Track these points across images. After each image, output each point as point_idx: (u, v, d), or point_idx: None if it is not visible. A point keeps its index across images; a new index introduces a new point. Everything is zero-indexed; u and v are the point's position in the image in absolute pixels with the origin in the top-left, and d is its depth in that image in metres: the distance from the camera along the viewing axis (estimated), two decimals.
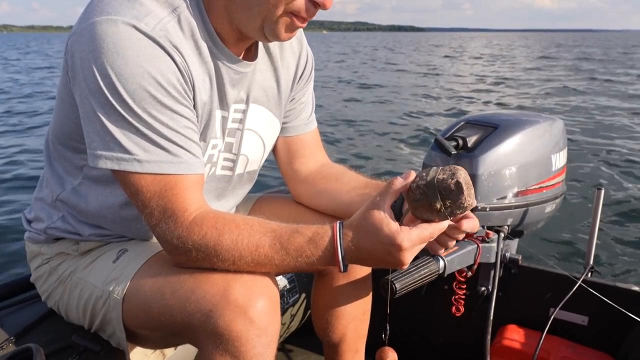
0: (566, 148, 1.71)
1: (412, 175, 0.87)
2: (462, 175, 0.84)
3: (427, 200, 0.85)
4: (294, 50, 1.13)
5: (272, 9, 0.87)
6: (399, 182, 0.87)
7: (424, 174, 0.87)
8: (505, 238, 1.57)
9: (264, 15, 0.88)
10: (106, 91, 0.81)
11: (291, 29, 0.91)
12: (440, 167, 0.86)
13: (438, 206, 0.84)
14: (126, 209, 0.98)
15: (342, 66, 18.79)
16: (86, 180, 1.01)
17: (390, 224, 0.84)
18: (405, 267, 0.87)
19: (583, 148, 5.32)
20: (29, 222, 1.14)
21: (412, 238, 0.84)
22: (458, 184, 0.83)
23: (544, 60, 22.74)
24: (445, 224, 0.87)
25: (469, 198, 0.83)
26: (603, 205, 1.57)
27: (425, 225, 0.86)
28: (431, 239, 0.87)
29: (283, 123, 1.17)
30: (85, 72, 0.82)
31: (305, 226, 0.89)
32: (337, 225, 0.88)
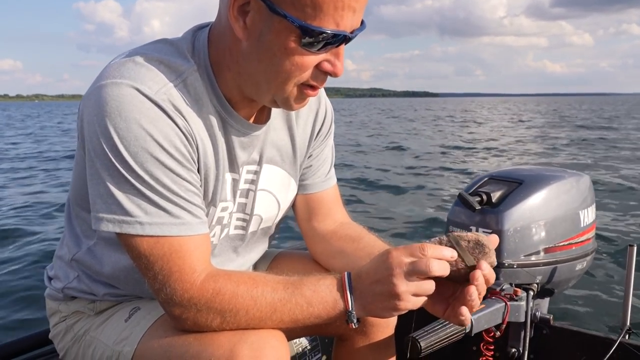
0: (594, 204, 1.67)
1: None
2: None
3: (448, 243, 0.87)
4: (311, 107, 1.11)
5: (282, 85, 0.86)
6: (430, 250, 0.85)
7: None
8: (535, 296, 1.51)
9: (274, 92, 0.88)
10: (109, 153, 0.81)
11: (303, 99, 0.90)
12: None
13: (460, 241, 0.86)
14: (138, 271, 0.96)
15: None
16: (101, 241, 1.01)
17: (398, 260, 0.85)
18: (404, 301, 0.84)
19: (613, 204, 5.18)
20: (50, 279, 1.14)
21: (403, 261, 0.84)
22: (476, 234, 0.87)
23: (561, 121, 22.65)
24: (442, 266, 0.84)
25: (488, 242, 0.86)
26: (637, 262, 1.51)
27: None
28: (429, 270, 0.83)
29: (301, 180, 1.15)
30: (91, 134, 0.83)
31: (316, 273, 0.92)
32: (346, 272, 0.90)
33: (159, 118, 0.83)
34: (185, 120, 0.87)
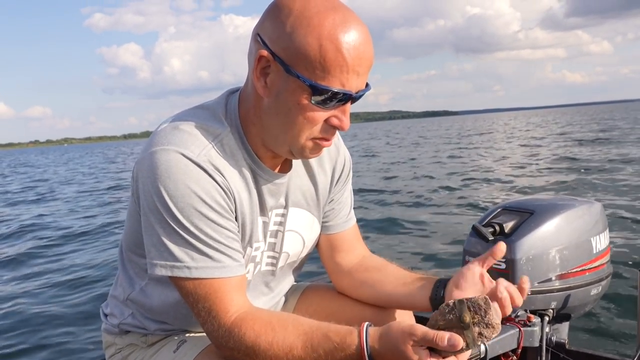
0: (607, 230, 1.73)
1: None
2: (487, 298, 0.91)
3: (456, 318, 0.90)
4: (331, 156, 1.23)
5: (296, 138, 0.98)
6: (443, 341, 0.88)
7: (450, 304, 0.94)
8: (552, 321, 1.58)
9: (290, 143, 1.00)
10: (161, 209, 0.95)
11: (317, 150, 1.02)
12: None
13: (467, 319, 0.89)
14: (185, 306, 1.08)
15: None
16: (152, 281, 1.13)
17: (420, 353, 0.90)
18: None
19: (629, 228, 5.07)
20: (106, 315, 1.28)
21: None
22: (486, 300, 0.90)
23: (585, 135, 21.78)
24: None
25: (496, 317, 0.90)
26: None
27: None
28: None
29: (324, 222, 1.28)
30: (145, 193, 0.97)
31: (335, 330, 0.95)
32: (364, 335, 0.93)
33: (201, 177, 0.96)
34: (223, 176, 1.00)
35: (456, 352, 0.90)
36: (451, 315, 0.91)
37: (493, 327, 0.89)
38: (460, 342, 0.88)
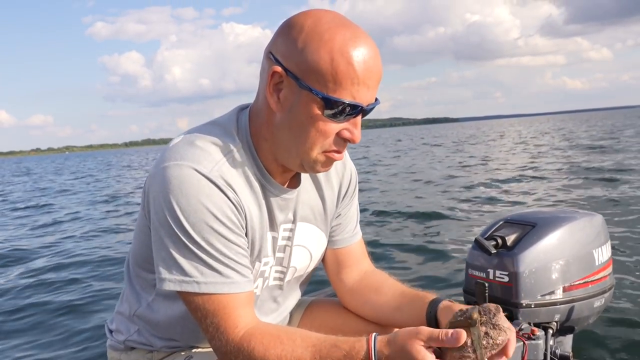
0: (609, 242, 1.73)
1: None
2: (499, 306, 0.93)
3: (465, 317, 0.91)
4: (337, 172, 1.25)
5: (308, 152, 1.00)
6: (450, 339, 0.90)
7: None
8: (556, 334, 1.58)
9: (302, 157, 1.02)
10: (172, 224, 0.96)
11: (328, 163, 1.04)
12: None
13: (475, 316, 0.91)
14: (192, 322, 1.08)
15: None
16: (159, 297, 1.14)
17: (427, 357, 0.90)
18: None
19: (631, 239, 5.02)
20: (111, 331, 1.29)
21: None
22: (497, 307, 0.93)
23: (583, 143, 21.56)
24: None
25: (505, 322, 0.92)
26: None
27: None
28: None
29: (330, 237, 1.29)
30: (157, 207, 0.97)
31: (343, 339, 0.96)
32: (372, 341, 0.94)
33: (214, 193, 0.98)
34: (235, 192, 1.01)
35: (462, 354, 0.91)
36: (462, 318, 0.93)
37: (500, 329, 0.91)
38: (462, 335, 0.90)
